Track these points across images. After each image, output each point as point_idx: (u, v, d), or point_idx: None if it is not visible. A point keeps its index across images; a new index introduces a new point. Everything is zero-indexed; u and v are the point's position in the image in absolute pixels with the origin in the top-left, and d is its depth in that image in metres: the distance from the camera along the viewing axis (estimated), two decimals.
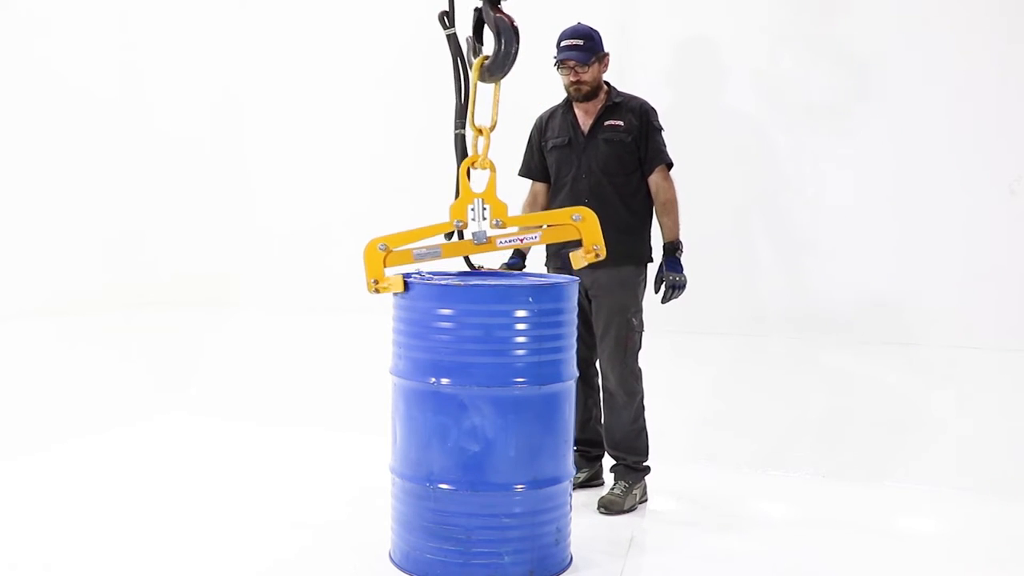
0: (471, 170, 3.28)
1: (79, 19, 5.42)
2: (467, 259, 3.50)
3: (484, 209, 3.23)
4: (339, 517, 3.63)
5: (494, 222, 3.24)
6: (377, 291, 3.21)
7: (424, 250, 3.25)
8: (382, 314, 3.30)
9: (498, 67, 3.24)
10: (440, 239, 3.28)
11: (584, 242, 3.24)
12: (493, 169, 3.28)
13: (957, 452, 4.29)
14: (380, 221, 5.30)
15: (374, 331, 3.87)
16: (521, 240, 3.32)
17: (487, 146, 3.28)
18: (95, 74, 5.52)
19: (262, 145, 5.75)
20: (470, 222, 3.23)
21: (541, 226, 3.34)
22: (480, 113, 3.30)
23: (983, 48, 4.42)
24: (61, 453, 4.35)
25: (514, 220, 3.30)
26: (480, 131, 3.28)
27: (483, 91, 3.27)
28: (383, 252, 3.20)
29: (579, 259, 3.27)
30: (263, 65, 5.72)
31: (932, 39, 4.50)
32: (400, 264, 3.25)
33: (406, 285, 3.15)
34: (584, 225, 3.23)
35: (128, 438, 4.68)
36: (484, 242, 3.25)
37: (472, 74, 3.30)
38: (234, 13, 5.76)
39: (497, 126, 3.28)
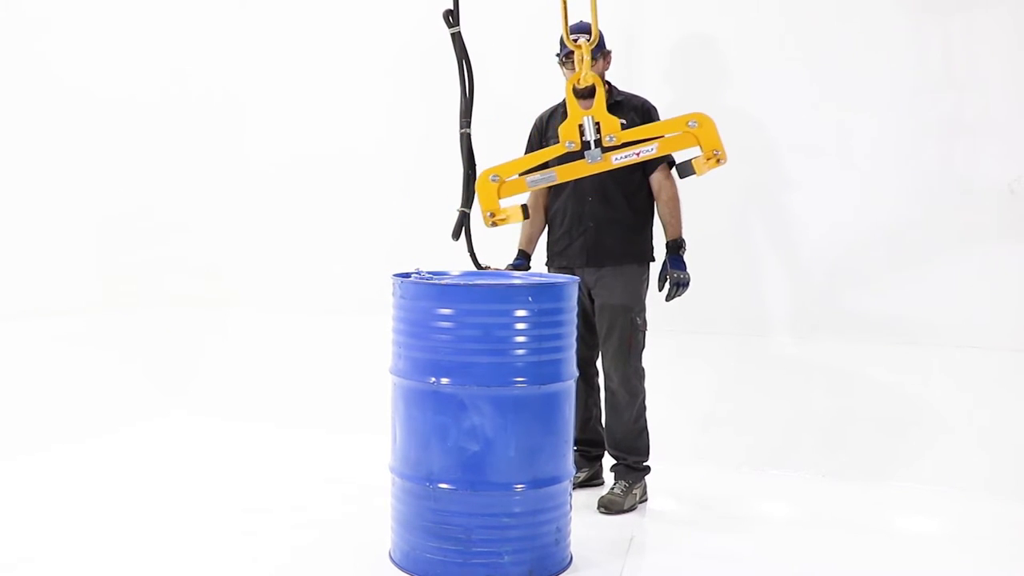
0: (576, 89, 3.19)
1: (78, 19, 5.41)
2: (473, 258, 3.48)
3: (596, 126, 3.15)
4: (339, 517, 3.63)
5: (607, 138, 3.16)
6: (495, 223, 3.10)
7: (538, 176, 3.17)
8: (382, 314, 3.29)
9: None
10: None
11: (703, 148, 3.15)
12: (600, 84, 3.20)
13: (957, 452, 4.28)
14: (380, 222, 5.39)
15: (374, 331, 3.87)
16: (637, 154, 3.20)
17: (587, 60, 3.21)
18: (94, 74, 5.51)
19: (262, 146, 5.74)
20: (582, 141, 3.14)
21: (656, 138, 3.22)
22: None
23: (983, 47, 4.41)
24: (61, 453, 4.36)
25: (628, 134, 3.20)
26: (578, 46, 3.22)
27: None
28: (495, 183, 3.10)
29: (701, 165, 3.18)
30: (263, 65, 5.72)
31: (931, 39, 4.49)
32: (514, 193, 3.15)
33: (525, 212, 3.07)
34: (701, 131, 3.15)
35: (128, 438, 4.69)
36: (599, 160, 3.16)
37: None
38: (233, 13, 5.76)
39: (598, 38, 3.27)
